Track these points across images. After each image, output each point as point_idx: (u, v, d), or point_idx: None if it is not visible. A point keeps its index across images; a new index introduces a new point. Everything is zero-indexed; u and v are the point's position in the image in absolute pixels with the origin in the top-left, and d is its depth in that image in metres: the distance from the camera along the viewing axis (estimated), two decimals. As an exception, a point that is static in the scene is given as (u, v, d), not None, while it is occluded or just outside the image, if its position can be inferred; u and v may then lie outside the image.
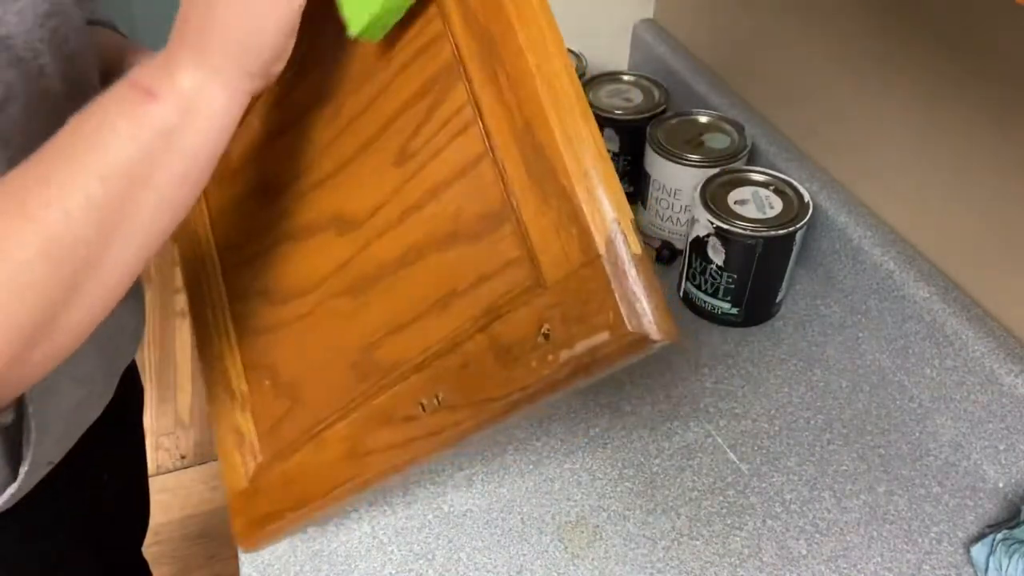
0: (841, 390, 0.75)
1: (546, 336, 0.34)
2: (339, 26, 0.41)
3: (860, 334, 0.80)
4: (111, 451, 0.76)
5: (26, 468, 0.59)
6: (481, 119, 0.37)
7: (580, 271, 0.33)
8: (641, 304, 0.32)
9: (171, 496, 1.66)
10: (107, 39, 0.66)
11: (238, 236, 0.55)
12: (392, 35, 0.42)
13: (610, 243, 0.32)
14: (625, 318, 0.32)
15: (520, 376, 0.36)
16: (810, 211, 0.76)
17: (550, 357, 0.34)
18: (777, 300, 0.81)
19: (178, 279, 2.18)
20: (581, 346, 0.33)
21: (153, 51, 0.66)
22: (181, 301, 2.11)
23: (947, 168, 0.72)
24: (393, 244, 0.43)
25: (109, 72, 0.65)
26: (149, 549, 1.56)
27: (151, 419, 1.81)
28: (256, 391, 0.55)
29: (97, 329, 0.64)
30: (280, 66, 0.41)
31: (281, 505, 0.52)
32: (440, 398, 0.40)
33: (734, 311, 0.80)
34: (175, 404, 1.85)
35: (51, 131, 0.51)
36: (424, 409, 0.40)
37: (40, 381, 0.57)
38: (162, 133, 0.39)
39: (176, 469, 1.71)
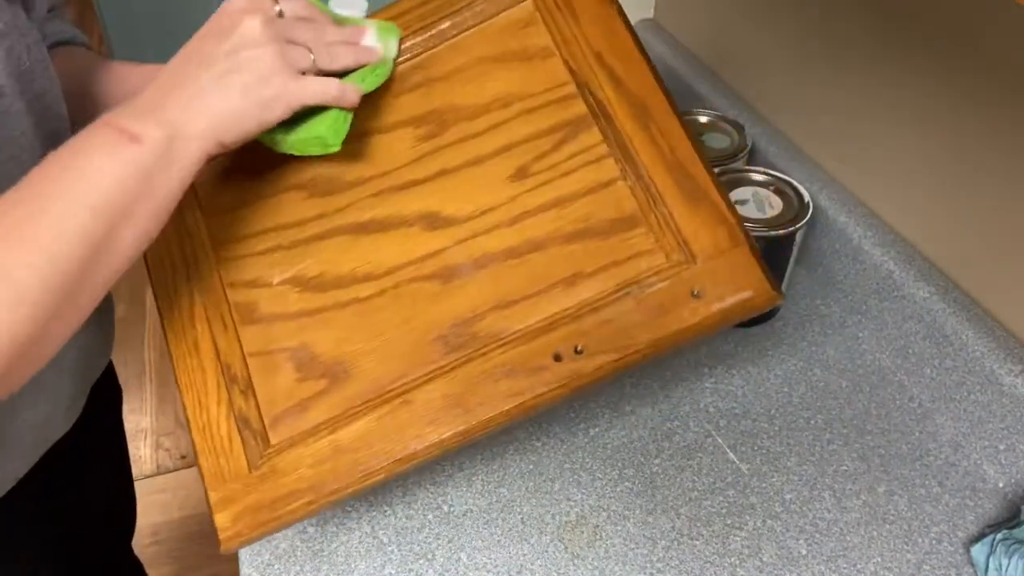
0: (841, 390, 0.75)
1: (697, 295, 0.49)
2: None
3: (860, 334, 0.80)
4: (88, 454, 0.75)
5: None
6: (634, 153, 0.53)
7: (730, 252, 0.50)
8: (768, 274, 0.50)
9: (171, 496, 1.66)
10: (80, 60, 0.66)
11: (248, 229, 0.58)
12: (512, 92, 0.57)
13: (745, 236, 0.50)
14: (764, 281, 0.49)
15: (671, 323, 0.49)
16: (810, 211, 0.76)
17: (701, 310, 0.49)
18: (777, 300, 0.81)
19: (178, 279, 2.18)
20: (730, 300, 0.49)
21: (126, 63, 0.66)
22: (181, 301, 2.11)
23: (947, 168, 0.72)
24: (502, 239, 0.53)
25: (83, 92, 0.65)
26: (148, 549, 1.56)
27: (151, 419, 1.81)
28: (265, 376, 0.55)
29: (66, 347, 0.63)
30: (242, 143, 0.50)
31: (316, 480, 0.52)
32: (580, 348, 0.50)
33: (734, 311, 0.80)
34: (175, 404, 1.85)
35: (11, 149, 0.52)
36: (559, 358, 0.50)
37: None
38: (143, 173, 0.45)
39: (176, 469, 1.71)
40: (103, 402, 0.77)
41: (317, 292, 0.56)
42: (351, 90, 0.52)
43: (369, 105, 0.58)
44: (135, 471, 1.68)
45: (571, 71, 0.56)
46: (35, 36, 0.54)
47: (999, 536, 0.60)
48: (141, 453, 1.73)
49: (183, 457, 1.74)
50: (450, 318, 0.53)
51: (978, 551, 0.60)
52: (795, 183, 0.79)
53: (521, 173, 0.55)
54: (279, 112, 0.49)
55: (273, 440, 0.54)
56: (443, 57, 0.58)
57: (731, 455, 0.69)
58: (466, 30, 0.58)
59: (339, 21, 0.56)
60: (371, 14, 0.61)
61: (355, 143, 0.57)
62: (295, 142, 0.53)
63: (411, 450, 0.52)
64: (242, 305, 0.57)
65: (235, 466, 0.54)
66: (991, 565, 0.59)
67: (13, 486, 0.63)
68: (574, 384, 0.51)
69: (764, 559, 0.62)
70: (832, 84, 0.83)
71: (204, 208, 0.60)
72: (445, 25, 0.58)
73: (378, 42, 0.56)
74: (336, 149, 0.53)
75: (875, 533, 0.64)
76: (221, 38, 0.48)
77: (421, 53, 0.59)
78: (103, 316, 0.72)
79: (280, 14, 0.51)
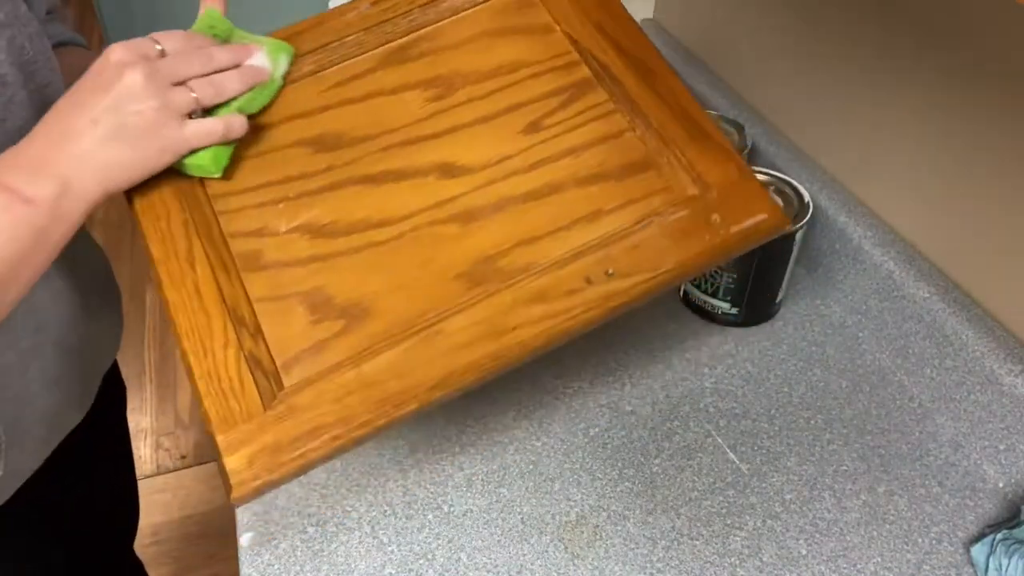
0: (841, 390, 0.75)
1: (717, 220, 0.53)
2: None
3: (860, 334, 0.80)
4: (94, 452, 0.76)
5: (0, 473, 0.59)
6: (641, 107, 0.58)
7: (740, 183, 0.55)
8: (778, 201, 0.59)
9: (171, 496, 1.66)
10: (77, 59, 0.67)
11: (248, 182, 0.59)
12: (517, 60, 0.61)
13: (752, 170, 0.56)
14: (776, 206, 0.55)
15: (695, 245, 0.53)
16: (810, 211, 0.76)
17: (722, 231, 0.53)
18: (777, 300, 0.81)
19: (178, 279, 2.18)
20: (748, 222, 0.53)
21: None
22: (181, 301, 2.11)
23: (947, 168, 0.72)
24: (520, 184, 0.56)
25: None
26: (148, 549, 1.56)
27: (151, 419, 1.81)
28: (275, 320, 0.54)
29: (70, 335, 0.64)
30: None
31: (344, 413, 0.52)
32: (611, 272, 0.52)
33: (734, 311, 0.80)
34: (175, 404, 1.85)
35: (15, 138, 0.52)
36: (591, 282, 0.52)
37: (8, 388, 0.57)
38: (35, 232, 0.47)
39: (176, 469, 1.71)
40: (109, 399, 0.77)
41: (329, 238, 0.56)
42: (236, 123, 0.55)
43: (374, 73, 0.61)
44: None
45: (572, 41, 0.61)
46: (36, 28, 0.54)
47: (999, 536, 0.60)
48: (141, 453, 1.73)
49: (183, 457, 1.74)
50: (472, 256, 0.54)
51: (978, 551, 0.60)
52: (795, 183, 0.79)
53: (533, 127, 0.58)
54: (166, 160, 0.52)
55: (287, 382, 0.53)
56: (448, 30, 0.62)
57: (731, 455, 0.69)
58: (471, 7, 0.63)
59: (229, 38, 0.58)
60: None
61: (360, 104, 0.60)
62: (179, 165, 0.55)
63: (444, 374, 0.52)
64: (245, 254, 0.56)
65: (247, 406, 0.52)
66: (991, 565, 0.59)
67: (23, 484, 0.63)
68: (608, 304, 0.53)
69: (764, 559, 0.62)
70: (832, 84, 0.83)
71: None
72: (447, 3, 0.63)
73: (267, 61, 0.58)
74: (219, 175, 0.57)
75: (875, 533, 0.64)
76: (105, 92, 0.49)
77: (427, 26, 0.62)
78: (112, 306, 0.72)
79: (162, 53, 0.52)
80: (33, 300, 0.58)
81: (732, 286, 0.78)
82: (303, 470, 0.51)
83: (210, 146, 0.55)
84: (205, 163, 0.55)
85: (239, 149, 0.59)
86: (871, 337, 0.80)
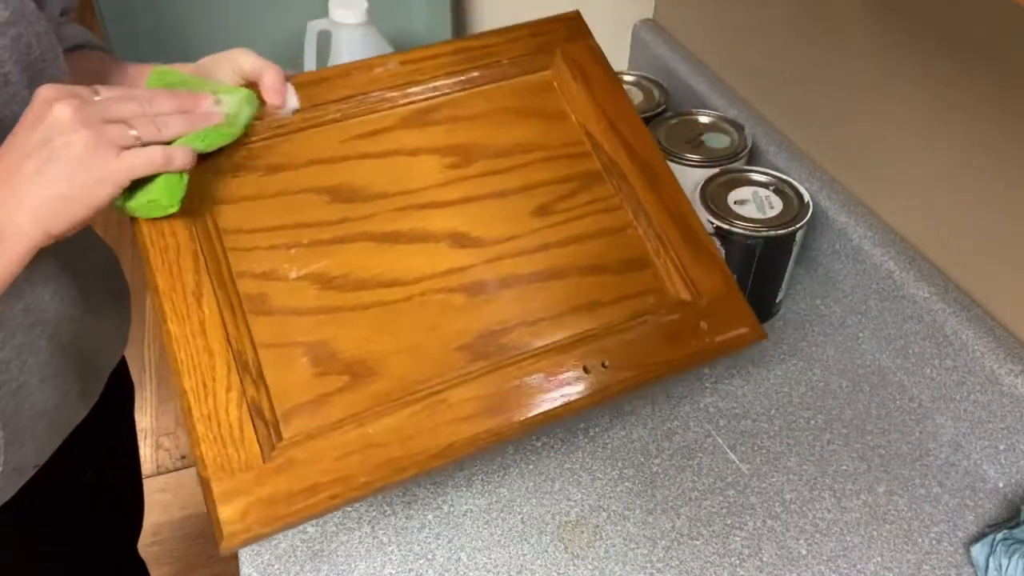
0: (841, 390, 0.75)
1: (704, 327, 0.56)
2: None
3: (860, 334, 0.80)
4: (101, 450, 0.76)
5: (0, 469, 0.59)
6: (644, 206, 0.61)
7: (727, 295, 0.59)
8: (756, 316, 0.60)
9: (171, 496, 1.66)
10: (94, 62, 0.67)
11: (261, 222, 0.58)
12: (533, 142, 0.63)
13: (737, 285, 0.61)
14: (756, 321, 0.59)
15: (681, 350, 0.55)
16: (810, 211, 0.76)
17: (708, 339, 0.56)
18: (777, 300, 0.81)
19: (178, 279, 2.18)
20: (731, 333, 0.57)
21: (137, 64, 0.67)
22: (181, 301, 2.11)
23: (947, 168, 0.72)
24: (527, 264, 0.58)
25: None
26: (149, 549, 1.56)
27: (151, 419, 1.81)
28: (277, 369, 0.54)
29: (67, 331, 0.64)
30: (77, 229, 0.50)
31: (344, 472, 0.51)
32: (606, 364, 0.54)
33: (734, 311, 0.80)
34: (175, 404, 1.85)
35: None
36: (588, 371, 0.54)
37: (6, 384, 0.57)
38: None
39: (176, 469, 1.71)
40: (117, 396, 0.77)
41: (339, 291, 0.56)
42: (180, 153, 0.52)
43: (395, 131, 0.62)
44: (135, 471, 1.69)
45: (587, 133, 0.64)
46: (44, 26, 0.54)
47: (999, 536, 0.60)
48: (141, 453, 1.73)
49: (183, 457, 1.74)
50: (476, 329, 0.55)
51: (978, 551, 0.60)
52: (795, 183, 0.79)
53: (543, 210, 0.60)
54: (107, 192, 0.49)
55: (286, 434, 0.52)
56: (470, 101, 0.64)
57: (731, 455, 0.69)
58: (492, 82, 0.65)
59: (184, 85, 0.57)
60: (404, 50, 0.63)
61: (380, 160, 0.61)
62: (135, 207, 0.54)
63: (446, 445, 0.52)
64: (252, 296, 0.56)
65: (246, 456, 0.51)
66: (991, 565, 0.59)
67: (27, 481, 0.63)
68: (601, 395, 0.55)
69: (764, 559, 0.62)
70: (832, 84, 0.83)
71: (214, 195, 0.59)
72: (474, 74, 0.64)
73: (222, 106, 0.57)
74: (175, 210, 0.54)
75: (875, 533, 0.64)
76: (34, 127, 0.48)
77: (450, 93, 0.64)
78: (117, 303, 0.72)
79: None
80: (30, 295, 0.59)
81: (732, 286, 0.78)
82: (295, 525, 0.51)
83: (156, 175, 0.52)
84: (157, 195, 0.53)
85: (255, 187, 0.59)
86: (871, 337, 0.80)
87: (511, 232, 0.59)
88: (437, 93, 0.63)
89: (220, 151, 0.59)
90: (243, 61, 0.61)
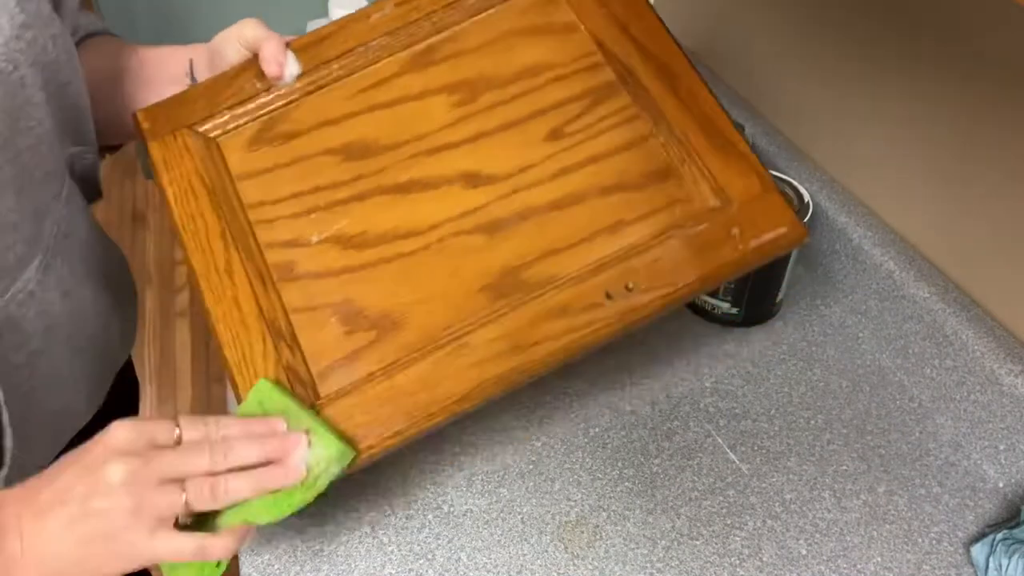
0: (841, 390, 0.75)
1: (736, 234, 0.53)
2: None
3: (860, 334, 0.80)
4: None
5: (5, 472, 0.59)
6: (664, 113, 0.57)
7: (762, 196, 0.54)
8: (796, 215, 0.56)
9: (171, 496, 1.66)
10: (111, 46, 0.67)
11: (281, 192, 0.59)
12: (541, 62, 0.61)
13: (774, 181, 0.56)
14: (796, 219, 0.54)
15: (715, 259, 0.53)
16: (810, 211, 0.76)
17: (741, 246, 0.53)
18: (777, 300, 0.81)
19: (178, 280, 2.18)
20: (767, 236, 0.53)
21: (150, 47, 0.67)
22: (181, 301, 2.12)
23: (947, 168, 0.72)
24: (543, 193, 0.56)
25: (113, 76, 0.65)
26: (149, 549, 1.56)
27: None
28: (309, 331, 0.55)
29: (80, 335, 0.63)
30: None
31: (377, 424, 0.52)
32: (630, 286, 0.53)
33: (734, 311, 0.80)
34: (175, 404, 1.85)
35: (29, 139, 0.52)
36: (611, 296, 0.53)
37: (17, 388, 0.57)
38: None
39: (176, 469, 1.71)
40: (122, 396, 0.77)
41: (359, 249, 0.57)
42: (215, 546, 0.47)
43: (399, 77, 0.61)
44: (135, 471, 1.68)
45: (597, 42, 0.60)
46: (59, 27, 0.54)
47: (999, 536, 0.60)
48: (141, 453, 1.73)
49: (183, 457, 1.74)
50: (497, 268, 0.55)
51: (978, 551, 0.60)
52: (795, 183, 0.79)
53: (555, 134, 0.58)
54: (119, 568, 0.46)
55: (323, 391, 0.54)
56: (470, 31, 0.62)
57: (731, 455, 0.69)
58: (491, 7, 0.62)
59: (284, 410, 0.51)
60: None
61: (387, 110, 0.60)
62: (166, 567, 0.51)
63: (470, 387, 0.53)
64: (280, 264, 0.57)
65: None
66: (991, 565, 0.59)
67: None
68: (628, 319, 0.53)
69: (764, 559, 0.62)
70: (832, 84, 0.83)
71: (234, 172, 0.60)
72: (470, 1, 0.62)
73: (310, 458, 0.49)
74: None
75: (875, 533, 0.64)
76: (84, 474, 0.46)
77: (450, 26, 0.62)
78: (126, 304, 0.72)
79: (178, 439, 0.47)
80: (44, 300, 0.58)
81: (732, 286, 0.78)
82: (335, 481, 0.51)
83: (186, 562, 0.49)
84: (183, 573, 0.49)
85: (272, 158, 0.60)
86: (871, 337, 0.80)
87: (525, 162, 0.58)
88: (437, 28, 0.62)
89: (236, 127, 0.60)
90: (248, 32, 0.61)
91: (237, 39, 0.61)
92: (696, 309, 0.82)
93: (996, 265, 0.69)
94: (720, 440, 0.70)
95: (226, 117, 0.61)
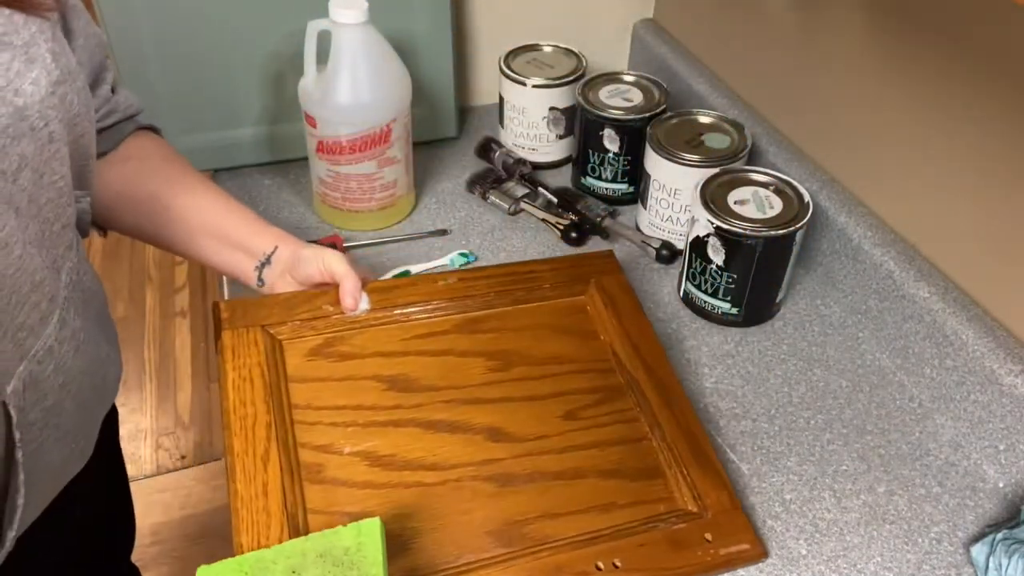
0: (841, 390, 0.75)
1: (709, 540, 0.59)
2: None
3: (860, 334, 0.80)
4: (90, 481, 0.74)
5: (13, 533, 0.58)
6: (660, 422, 0.66)
7: (730, 512, 0.61)
8: (759, 533, 0.63)
9: (171, 496, 1.66)
10: (202, 189, 0.70)
11: (327, 401, 0.66)
12: (565, 354, 0.71)
13: (741, 501, 0.63)
14: (757, 539, 0.61)
15: (687, 558, 0.58)
16: (810, 211, 0.76)
17: (712, 551, 0.59)
18: (777, 300, 0.81)
19: (178, 279, 2.18)
20: (734, 548, 0.59)
21: (211, 194, 0.72)
22: (181, 301, 2.12)
23: (947, 168, 0.72)
24: (552, 463, 0.63)
25: (202, 227, 0.70)
26: (149, 549, 1.56)
27: (151, 419, 1.81)
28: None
29: (85, 384, 0.62)
30: None
31: None
32: (618, 564, 0.57)
33: (734, 311, 0.80)
34: (175, 404, 1.85)
35: (50, 192, 0.51)
36: (600, 569, 0.57)
37: (29, 444, 0.56)
38: None
39: (176, 469, 1.71)
40: (106, 433, 0.76)
41: (385, 468, 0.62)
42: None
43: (449, 334, 0.71)
44: (135, 471, 1.69)
45: (613, 352, 0.71)
46: (83, 80, 0.55)
47: (999, 536, 0.60)
48: (141, 453, 1.73)
49: (183, 457, 1.74)
50: (503, 517, 0.60)
51: (978, 551, 0.60)
52: (795, 183, 0.79)
53: (570, 415, 0.67)
54: None
55: None
56: (514, 315, 0.74)
57: (731, 455, 0.69)
58: (535, 301, 0.75)
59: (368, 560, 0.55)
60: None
61: (434, 358, 0.70)
62: (201, 569, 0.54)
63: None
64: (310, 465, 0.62)
65: None
66: (991, 565, 0.59)
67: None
68: None
69: (764, 559, 0.62)
70: (832, 84, 0.83)
71: (290, 373, 0.67)
72: (520, 293, 0.75)
73: None
74: None
75: (875, 533, 0.64)
76: None
77: (498, 307, 0.74)
78: (115, 348, 0.70)
79: None
80: (60, 354, 0.57)
81: (732, 286, 0.78)
82: None
83: None
84: None
85: (327, 370, 0.67)
86: (871, 337, 0.80)
87: (541, 432, 0.65)
88: (487, 306, 0.73)
89: (303, 337, 0.69)
90: (334, 265, 0.69)
91: (321, 263, 0.70)
92: (696, 309, 0.82)
93: (996, 265, 0.69)
94: (720, 440, 0.70)
95: (296, 324, 0.69)
